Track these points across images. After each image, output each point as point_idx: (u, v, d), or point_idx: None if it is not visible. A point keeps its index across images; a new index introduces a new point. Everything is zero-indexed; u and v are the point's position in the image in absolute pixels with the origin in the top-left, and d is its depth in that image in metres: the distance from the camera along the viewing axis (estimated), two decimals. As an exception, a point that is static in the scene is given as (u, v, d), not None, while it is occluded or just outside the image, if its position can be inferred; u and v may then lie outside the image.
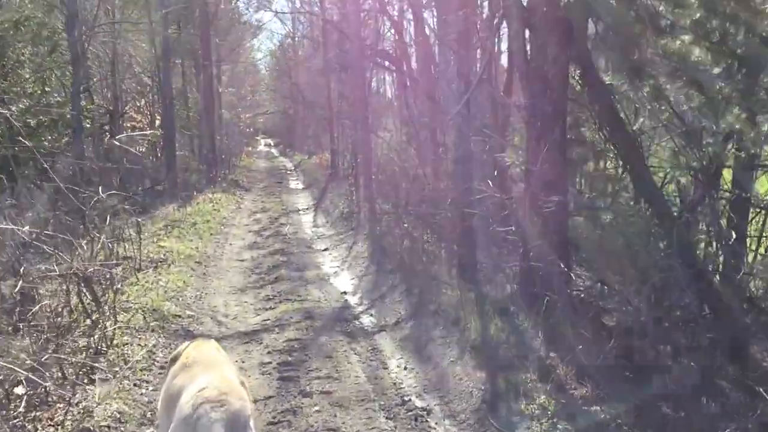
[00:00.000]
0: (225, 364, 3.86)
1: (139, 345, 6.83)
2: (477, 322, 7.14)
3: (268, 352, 7.09)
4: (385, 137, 19.64)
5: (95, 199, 10.65)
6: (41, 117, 17.91)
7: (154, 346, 6.92)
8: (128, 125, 29.07)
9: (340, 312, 8.75)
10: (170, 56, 22.71)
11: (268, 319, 8.29)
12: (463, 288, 8.26)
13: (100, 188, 19.43)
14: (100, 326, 6.83)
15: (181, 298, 8.81)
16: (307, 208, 18.65)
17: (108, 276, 9.11)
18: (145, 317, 7.63)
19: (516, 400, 5.57)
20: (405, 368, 6.75)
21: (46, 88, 18.86)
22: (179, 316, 8.07)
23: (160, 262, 10.50)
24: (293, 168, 32.44)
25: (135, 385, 5.93)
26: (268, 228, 15.21)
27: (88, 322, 7.07)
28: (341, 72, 24.68)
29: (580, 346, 5.86)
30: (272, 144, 57.59)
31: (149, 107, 27.46)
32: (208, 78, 23.72)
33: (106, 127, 27.24)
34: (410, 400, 5.98)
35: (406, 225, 12.95)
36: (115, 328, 6.89)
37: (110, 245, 10.45)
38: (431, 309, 8.10)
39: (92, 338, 6.64)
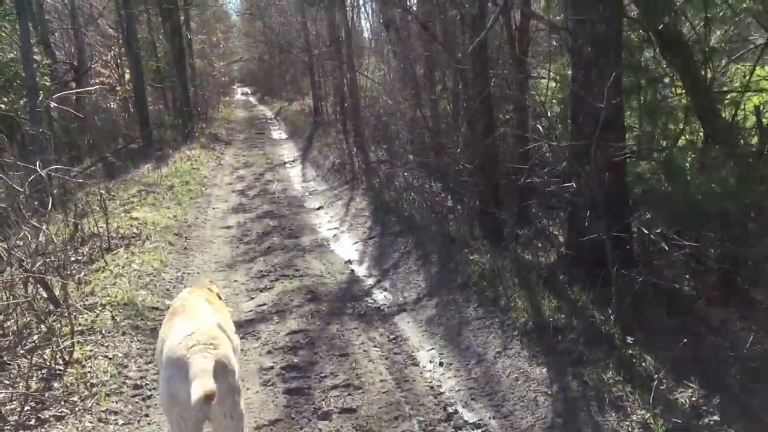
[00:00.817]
0: (212, 312, 3.93)
1: (106, 357, 5.37)
2: (523, 299, 5.74)
3: (268, 352, 5.67)
4: (372, 77, 17.94)
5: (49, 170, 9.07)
6: (-7, 77, 16.06)
7: (125, 356, 5.46)
8: (96, 81, 27.03)
9: (348, 288, 7.33)
10: (132, 3, 20.56)
11: (264, 304, 6.85)
12: (495, 253, 6.85)
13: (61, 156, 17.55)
14: (56, 336, 5.37)
15: (158, 284, 7.32)
16: (293, 161, 17.04)
17: (67, 264, 7.67)
18: (114, 316, 6.15)
19: (602, 412, 4.21)
20: (440, 364, 5.37)
21: (-4, 46, 16.79)
22: (156, 309, 6.59)
23: (133, 237, 8.97)
24: (273, 116, 30.53)
25: (100, 420, 4.49)
26: (253, 186, 13.64)
27: (43, 329, 5.61)
28: (319, 7, 22.75)
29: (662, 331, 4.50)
30: (249, 93, 55.28)
31: (116, 60, 25.40)
32: (176, 25, 21.66)
33: (72, 85, 25.30)
34: (456, 412, 4.61)
35: (406, 175, 11.50)
36: (74, 340, 5.41)
37: (73, 224, 8.93)
38: (458, 281, 6.70)
39: (45, 354, 5.19)
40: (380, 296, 7.06)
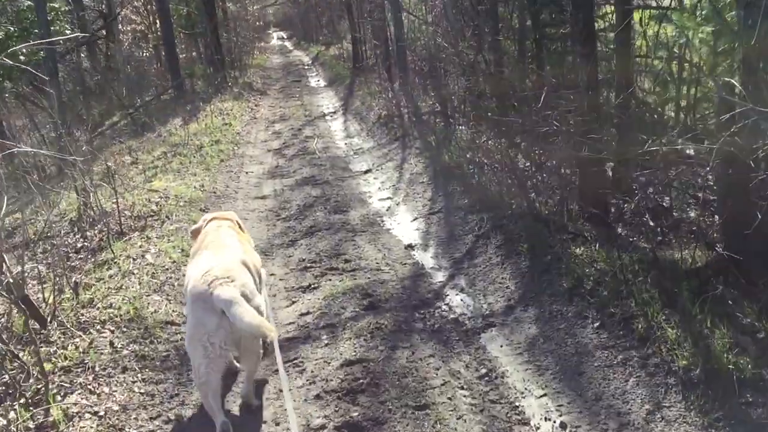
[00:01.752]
0: (234, 245, 4.00)
1: (95, 415, 3.82)
2: (674, 325, 4.00)
3: (317, 396, 4.06)
4: (418, 16, 15.88)
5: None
6: (9, 26, 14.46)
7: (123, 410, 3.91)
8: (127, 29, 25.34)
9: (414, 287, 5.65)
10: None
11: (309, 313, 5.22)
12: (608, 244, 5.09)
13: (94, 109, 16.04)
14: (33, 379, 3.85)
15: (176, 283, 5.73)
16: (334, 112, 15.23)
17: (65, 258, 6.15)
18: (113, 340, 4.60)
19: None
20: (562, 426, 3.70)
21: (11, -9, 15.13)
22: (171, 324, 5.03)
23: (151, 216, 7.39)
24: (311, 62, 28.54)
25: None
26: (291, 144, 11.93)
27: (14, 366, 4.09)
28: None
29: None
30: (285, 37, 52.93)
31: (146, 6, 23.64)
32: (204, -38, 19.68)
33: (102, 33, 23.63)
34: None
35: (462, 130, 9.71)
36: (52, 391, 3.86)
37: (82, 200, 7.39)
38: (563, 284, 4.98)
39: (13, 408, 3.67)
40: (456, 300, 5.38)
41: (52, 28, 14.99)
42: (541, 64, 9.75)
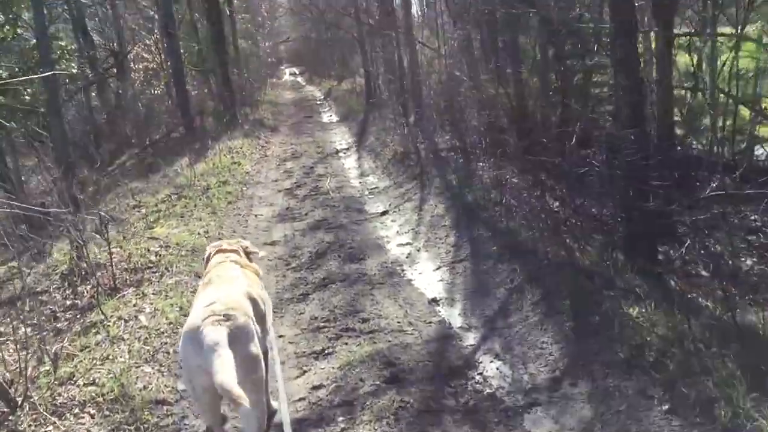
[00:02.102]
0: (239, 278, 3.72)
1: None
2: (769, 417, 3.25)
3: (333, 502, 3.33)
4: (435, 49, 15.38)
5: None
6: (14, 66, 14.06)
7: None
8: (139, 67, 25.07)
9: (442, 353, 4.92)
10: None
11: (322, 386, 4.50)
12: (666, 303, 4.36)
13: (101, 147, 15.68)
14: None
15: (171, 349, 5.03)
16: (347, 149, 14.64)
17: (53, 317, 5.52)
18: (90, 429, 3.89)
19: None
20: None
21: (18, 30, 14.78)
22: (164, 404, 4.31)
23: (149, 268, 6.74)
24: (323, 97, 28.18)
25: None
26: (303, 183, 11.30)
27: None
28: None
29: None
30: (297, 73, 52.98)
31: (158, 44, 23.38)
32: (214, 1, 19.36)
33: (113, 71, 23.39)
34: None
35: (482, 166, 9.06)
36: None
37: (75, 252, 6.76)
38: (619, 354, 4.23)
39: None
40: (492, 369, 4.64)
41: (57, 66, 14.62)
42: (566, 97, 9.11)
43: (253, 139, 16.03)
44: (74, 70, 15.66)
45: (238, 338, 3.08)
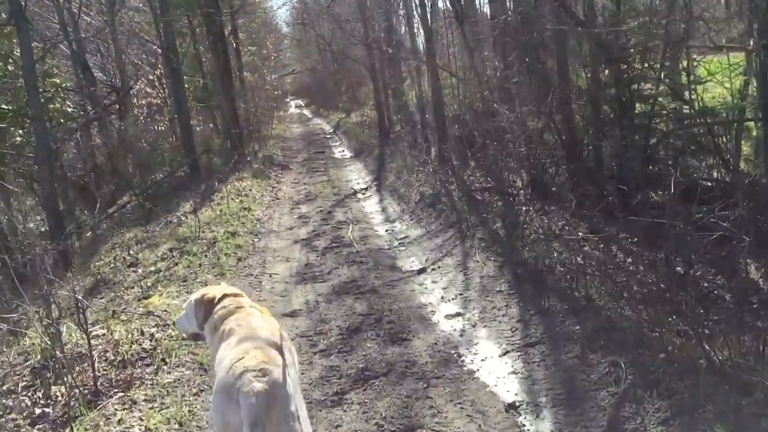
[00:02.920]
0: (264, 329, 3.37)
1: None
2: None
3: None
4: (457, 75, 14.08)
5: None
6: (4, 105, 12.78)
7: None
8: (142, 102, 23.87)
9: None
10: (170, 12, 17.14)
11: None
12: None
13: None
14: None
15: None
16: (365, 188, 13.26)
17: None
18: None
19: None
20: None
21: (9, 68, 13.51)
22: None
23: (141, 360, 5.29)
24: (332, 130, 26.94)
25: None
26: (321, 232, 9.90)
27: None
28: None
29: None
30: (303, 105, 52.02)
31: (161, 79, 22.19)
32: (219, 33, 18.17)
33: (114, 107, 22.21)
34: None
35: (528, 211, 7.73)
36: None
37: (49, 341, 5.36)
38: None
39: None
40: None
41: (51, 106, 13.39)
42: (631, 132, 7.74)
43: (263, 179, 14.67)
44: (70, 109, 14.35)
45: (275, 395, 2.87)
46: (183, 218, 10.94)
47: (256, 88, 27.51)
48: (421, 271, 7.59)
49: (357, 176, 14.93)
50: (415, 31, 20.75)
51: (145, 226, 11.74)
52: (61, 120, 14.31)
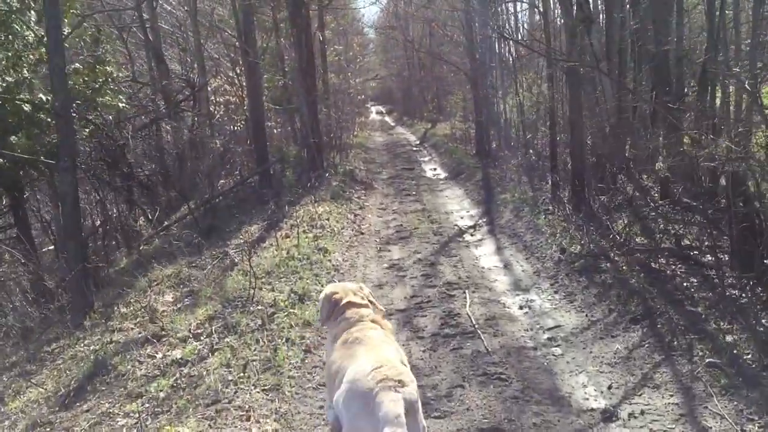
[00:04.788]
0: (389, 343, 3.36)
1: None
2: None
3: None
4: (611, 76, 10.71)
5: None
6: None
7: None
8: (219, 100, 21.30)
9: None
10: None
11: None
12: None
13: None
14: None
15: None
16: (473, 227, 10.00)
17: None
18: None
19: None
20: None
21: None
22: None
23: None
24: (418, 142, 23.77)
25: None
26: (425, 299, 6.72)
27: None
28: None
29: None
30: (384, 112, 49.09)
31: (241, 77, 19.56)
32: (305, 26, 15.29)
33: (190, 103, 19.65)
34: None
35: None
36: None
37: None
38: None
39: None
40: None
41: (99, 99, 10.75)
42: None
43: (343, 202, 11.63)
44: (121, 104, 11.67)
45: (412, 409, 2.78)
46: (240, 253, 8.01)
47: (340, 91, 24.64)
48: (609, 416, 4.29)
49: (458, 206, 11.69)
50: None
51: (195, 256, 8.90)
52: (110, 116, 11.64)
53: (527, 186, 11.07)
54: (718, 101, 12.73)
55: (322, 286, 6.92)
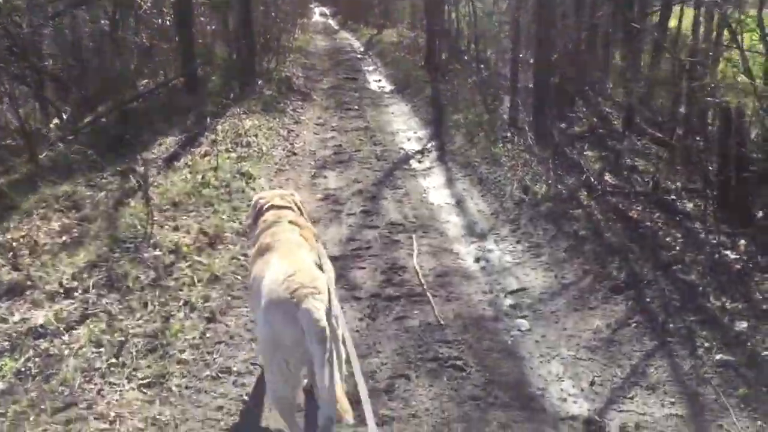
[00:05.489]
0: (303, 245, 3.10)
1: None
2: None
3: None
4: None
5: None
6: None
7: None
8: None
9: None
10: None
11: None
12: None
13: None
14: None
15: None
16: (421, 152, 8.75)
17: None
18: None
19: None
20: None
21: None
22: None
23: None
24: (363, 49, 21.89)
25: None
26: (364, 244, 5.53)
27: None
28: None
29: None
30: (328, 14, 45.92)
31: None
32: None
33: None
34: None
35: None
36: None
37: None
38: None
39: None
40: None
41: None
42: None
43: (276, 115, 10.11)
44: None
45: (328, 312, 2.64)
46: (148, 175, 6.56)
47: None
48: (595, 430, 3.28)
49: (404, 125, 10.37)
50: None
51: (96, 171, 7.38)
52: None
53: (482, 107, 9.82)
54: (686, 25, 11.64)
55: (240, 223, 5.63)
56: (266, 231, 3.22)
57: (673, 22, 10.90)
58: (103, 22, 16.19)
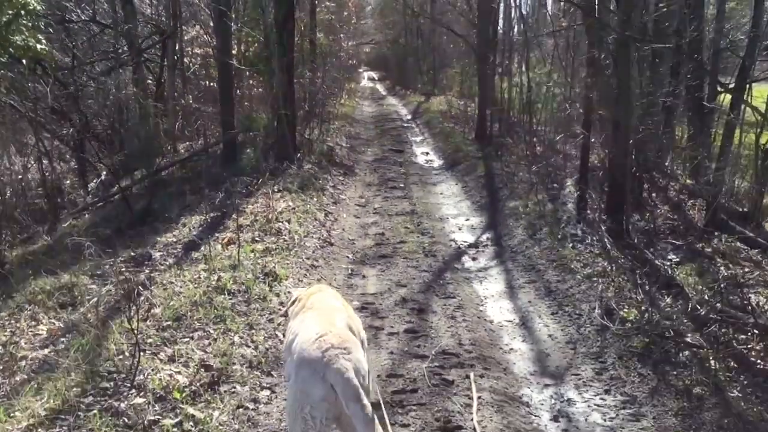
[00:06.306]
0: (340, 309, 3.23)
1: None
2: None
3: None
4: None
5: None
6: None
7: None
8: (196, 51, 18.42)
9: None
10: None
11: None
12: None
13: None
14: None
15: None
16: (475, 246, 7.52)
17: None
18: None
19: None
20: None
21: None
22: None
23: None
24: (410, 116, 21.05)
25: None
26: (408, 380, 4.27)
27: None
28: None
29: None
30: (376, 78, 45.77)
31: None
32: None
33: (158, 53, 16.62)
34: None
35: None
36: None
37: None
38: None
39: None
40: None
41: (11, 38, 7.99)
42: None
43: (314, 194, 9.05)
44: (39, 46, 8.81)
45: (357, 372, 2.68)
46: (164, 261, 5.50)
47: (330, 54, 21.66)
48: None
49: (455, 209, 9.19)
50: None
51: (108, 258, 6.38)
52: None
53: (543, 193, 8.60)
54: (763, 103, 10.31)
55: (258, 352, 4.44)
56: (308, 298, 3.30)
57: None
58: (149, 81, 15.73)
